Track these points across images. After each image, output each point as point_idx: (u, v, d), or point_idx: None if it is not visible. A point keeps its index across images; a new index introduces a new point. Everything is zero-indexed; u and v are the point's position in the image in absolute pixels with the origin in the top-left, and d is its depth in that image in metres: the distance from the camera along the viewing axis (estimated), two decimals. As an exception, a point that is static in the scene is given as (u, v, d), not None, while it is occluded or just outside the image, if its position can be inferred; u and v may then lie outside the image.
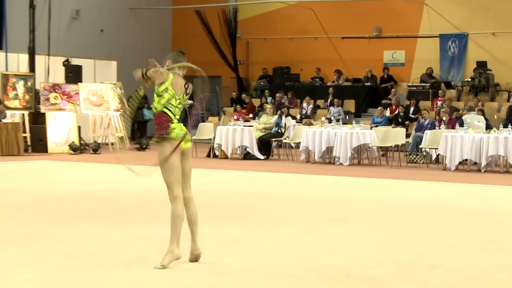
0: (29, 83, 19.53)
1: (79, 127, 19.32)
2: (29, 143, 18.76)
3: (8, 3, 20.86)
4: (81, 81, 20.04)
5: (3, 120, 18.07)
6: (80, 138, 19.26)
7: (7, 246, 6.62)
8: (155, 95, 5.77)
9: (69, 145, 18.73)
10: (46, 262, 5.99)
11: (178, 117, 5.81)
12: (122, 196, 10.50)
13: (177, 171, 5.75)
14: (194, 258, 5.89)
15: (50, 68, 20.55)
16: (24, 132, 18.57)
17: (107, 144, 19.83)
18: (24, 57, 20.55)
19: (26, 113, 19.08)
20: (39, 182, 12.43)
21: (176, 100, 5.77)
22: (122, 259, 6.06)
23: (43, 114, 19.01)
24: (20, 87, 19.65)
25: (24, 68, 20.57)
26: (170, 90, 5.73)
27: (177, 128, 5.74)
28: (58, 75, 20.60)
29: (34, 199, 10.07)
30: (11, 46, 20.59)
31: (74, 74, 20.04)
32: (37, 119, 19.06)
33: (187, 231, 5.83)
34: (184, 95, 5.88)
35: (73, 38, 23.66)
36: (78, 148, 18.68)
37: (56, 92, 19.24)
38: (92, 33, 24.82)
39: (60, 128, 19.10)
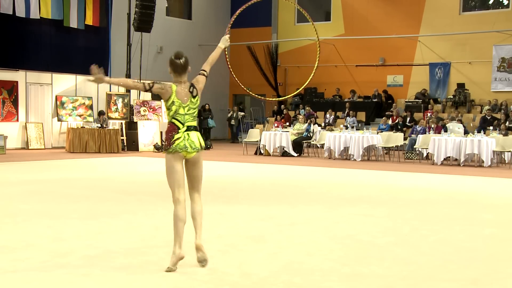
0: (125, 100, 19.79)
1: (161, 132, 19.50)
2: (125, 144, 19.00)
3: (112, 42, 21.18)
4: (162, 98, 20.23)
5: (107, 127, 18.35)
6: (161, 140, 19.44)
7: (109, 220, 6.69)
8: (166, 109, 4.68)
9: (153, 145, 18.91)
10: (138, 231, 6.04)
11: (190, 122, 4.63)
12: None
13: (177, 176, 4.55)
14: (199, 251, 4.58)
15: (141, 89, 20.78)
16: (122, 135, 18.83)
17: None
18: (122, 81, 20.83)
19: (123, 122, 19.35)
20: (132, 172, 12.58)
21: (184, 108, 4.61)
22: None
23: (136, 122, 19.25)
24: (119, 103, 19.92)
25: (122, 89, 20.85)
26: (176, 101, 4.59)
27: (180, 139, 4.55)
28: (147, 94, 20.83)
29: (127, 185, 10.18)
30: (114, 73, 20.91)
31: (157, 94, 20.24)
32: (131, 126, 19.31)
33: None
34: (192, 99, 4.65)
35: (158, 67, 23.89)
36: (160, 148, 18.85)
37: (145, 107, 19.46)
38: (171, 63, 25.05)
39: (147, 133, 19.30)
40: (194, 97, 4.68)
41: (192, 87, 4.69)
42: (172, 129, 4.61)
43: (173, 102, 4.61)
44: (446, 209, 8.02)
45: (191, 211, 4.67)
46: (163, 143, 4.69)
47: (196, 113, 4.69)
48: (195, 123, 4.69)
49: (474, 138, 14.96)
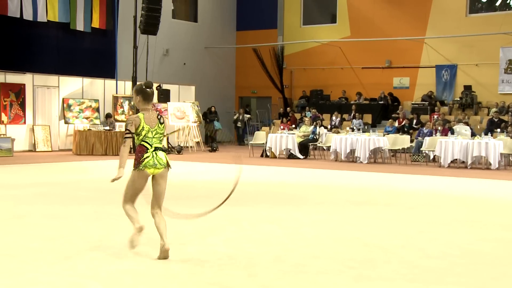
0: (132, 103, 19.83)
1: (166, 135, 19.52)
2: (131, 146, 18.98)
3: (118, 45, 21.23)
4: (169, 101, 20.26)
5: (114, 130, 18.39)
6: (168, 142, 19.46)
7: (115, 222, 6.70)
8: (136, 135, 5.10)
9: (160, 148, 18.93)
10: (144, 233, 6.04)
11: (157, 144, 5.09)
12: (198, 185, 10.58)
13: (137, 191, 5.13)
14: (163, 256, 4.98)
15: (147, 91, 20.79)
16: (128, 138, 18.83)
17: (187, 147, 20.00)
18: (129, 84, 20.88)
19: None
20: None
21: (152, 133, 5.08)
22: (197, 230, 6.08)
23: (142, 125, 19.23)
24: (126, 105, 19.97)
25: (129, 92, 20.91)
26: (146, 127, 5.04)
27: (150, 157, 5.01)
28: (153, 96, 20.84)
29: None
30: (120, 76, 20.96)
31: (164, 96, 20.29)
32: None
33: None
34: (159, 125, 5.11)
35: (164, 69, 23.94)
36: (166, 150, 18.86)
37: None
38: (178, 66, 25.09)
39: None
40: (161, 123, 5.16)
41: (159, 115, 5.22)
42: (141, 150, 5.07)
43: (143, 127, 5.06)
44: (453, 211, 8.00)
45: (156, 223, 5.09)
46: (134, 162, 5.09)
47: (162, 137, 5.15)
48: (161, 145, 5.16)
49: (482, 140, 14.91)
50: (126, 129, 5.09)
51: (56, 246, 5.35)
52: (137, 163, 5.04)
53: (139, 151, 5.08)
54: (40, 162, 14.77)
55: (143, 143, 5.07)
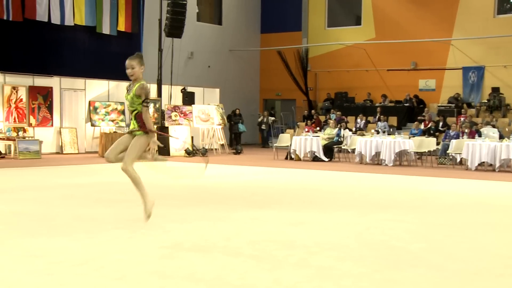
0: (157, 105, 20.00)
1: (192, 137, 19.65)
2: (156, 148, 19.13)
3: (144, 47, 21.44)
4: (193, 103, 20.38)
5: (139, 132, 18.58)
6: (192, 145, 19.58)
7: (141, 224, 6.73)
8: (139, 99, 5.97)
9: (184, 150, 19.05)
10: (170, 236, 6.10)
11: None
12: (223, 186, 10.61)
13: (140, 154, 6.06)
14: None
15: (172, 94, 21.00)
16: (154, 140, 18.98)
17: (212, 149, 20.08)
18: (154, 86, 21.07)
19: (155, 126, 19.53)
20: (163, 176, 12.68)
21: None
22: (219, 235, 6.10)
23: (167, 127, 19.43)
24: (151, 108, 20.08)
25: (154, 94, 21.08)
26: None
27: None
28: (178, 99, 21.03)
29: (159, 189, 10.26)
30: (145, 78, 21.04)
31: (189, 98, 20.42)
32: (163, 131, 19.47)
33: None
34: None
35: (188, 72, 24.11)
36: (191, 152, 18.98)
37: (176, 112, 19.63)
38: (202, 69, 25.24)
39: (178, 137, 19.45)
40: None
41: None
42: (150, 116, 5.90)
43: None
44: (481, 215, 7.90)
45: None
46: (141, 128, 5.91)
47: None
48: None
49: (510, 143, 14.71)
50: (147, 98, 5.88)
51: (82, 247, 5.42)
52: (152, 129, 5.80)
53: (149, 117, 5.92)
54: (67, 164, 14.98)
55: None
